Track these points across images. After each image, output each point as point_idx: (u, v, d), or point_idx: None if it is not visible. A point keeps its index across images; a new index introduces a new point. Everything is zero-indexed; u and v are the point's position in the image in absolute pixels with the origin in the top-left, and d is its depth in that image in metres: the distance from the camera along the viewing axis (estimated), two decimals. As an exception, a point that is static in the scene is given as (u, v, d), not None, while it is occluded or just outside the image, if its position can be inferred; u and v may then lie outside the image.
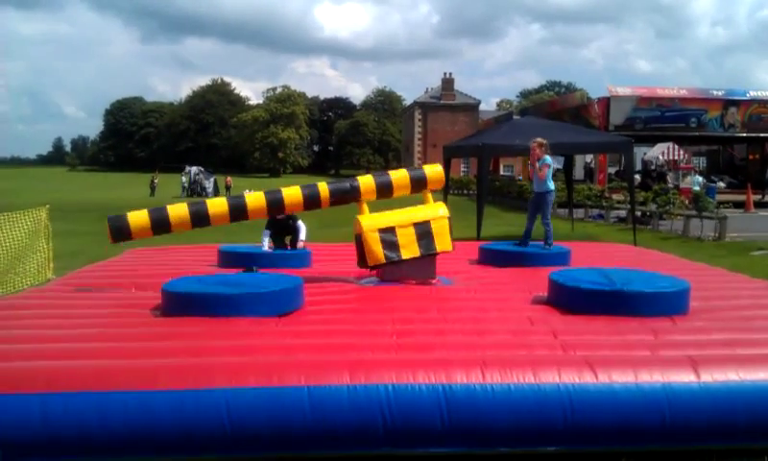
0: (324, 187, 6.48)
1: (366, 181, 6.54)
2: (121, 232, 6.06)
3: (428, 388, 3.42)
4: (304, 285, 5.36)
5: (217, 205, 6.26)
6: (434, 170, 6.86)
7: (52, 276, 8.25)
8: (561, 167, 16.34)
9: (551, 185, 8.19)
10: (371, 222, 6.26)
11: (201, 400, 3.33)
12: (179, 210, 6.13)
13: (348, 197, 6.53)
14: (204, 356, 3.83)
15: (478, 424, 3.40)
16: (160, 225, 6.11)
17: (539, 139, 8.14)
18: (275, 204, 6.36)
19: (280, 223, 7.71)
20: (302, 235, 7.75)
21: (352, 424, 3.35)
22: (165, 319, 4.84)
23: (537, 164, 8.03)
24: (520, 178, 36.57)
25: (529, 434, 3.43)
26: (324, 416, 3.34)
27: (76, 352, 3.87)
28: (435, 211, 6.45)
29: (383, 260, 6.21)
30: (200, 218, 6.17)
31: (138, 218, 6.07)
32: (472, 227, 12.23)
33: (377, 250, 6.17)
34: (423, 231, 6.29)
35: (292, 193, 6.39)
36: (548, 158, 8.10)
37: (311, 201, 6.43)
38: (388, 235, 6.21)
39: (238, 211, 6.28)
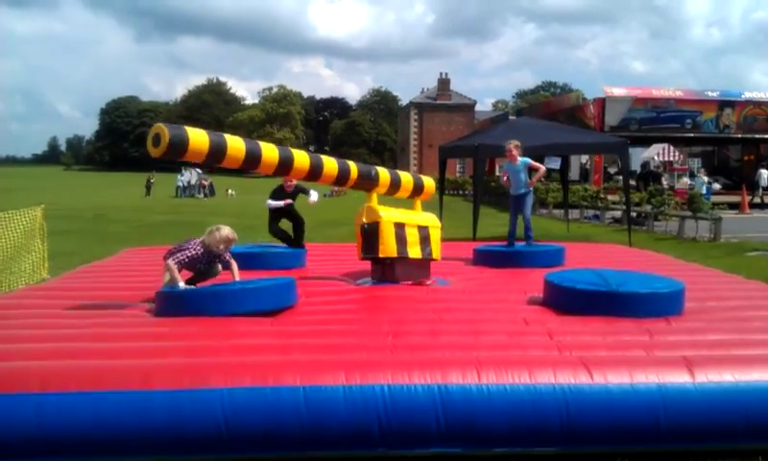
0: (353, 166, 6.27)
1: (384, 174, 6.53)
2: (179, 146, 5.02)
3: (424, 388, 3.42)
4: (300, 285, 5.37)
5: (269, 149, 5.64)
6: (430, 184, 7.16)
7: (47, 275, 8.23)
8: (557, 168, 16.37)
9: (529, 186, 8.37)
10: (388, 213, 6.19)
11: (196, 400, 3.33)
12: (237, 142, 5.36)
13: (365, 184, 6.35)
14: (199, 356, 3.83)
15: (474, 424, 3.40)
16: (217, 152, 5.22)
17: (514, 141, 8.30)
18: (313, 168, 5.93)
19: (287, 195, 7.87)
20: (314, 197, 7.91)
21: (348, 424, 3.35)
22: (160, 319, 4.83)
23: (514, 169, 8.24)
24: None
25: (525, 435, 3.43)
26: (319, 416, 3.34)
27: (71, 352, 3.86)
28: (432, 220, 6.67)
29: (395, 254, 6.13)
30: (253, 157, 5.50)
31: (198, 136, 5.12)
32: (468, 227, 12.23)
33: (391, 242, 6.08)
34: (424, 236, 6.41)
35: (330, 163, 6.09)
36: (527, 160, 8.24)
37: (342, 175, 6.15)
38: (400, 231, 6.20)
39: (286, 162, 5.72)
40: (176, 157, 5.01)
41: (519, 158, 8.23)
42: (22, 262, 8.16)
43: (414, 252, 6.29)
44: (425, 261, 6.45)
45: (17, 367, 3.57)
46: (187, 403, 3.32)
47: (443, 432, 3.38)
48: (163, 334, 4.37)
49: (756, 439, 3.53)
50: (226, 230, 5.34)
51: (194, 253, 5.27)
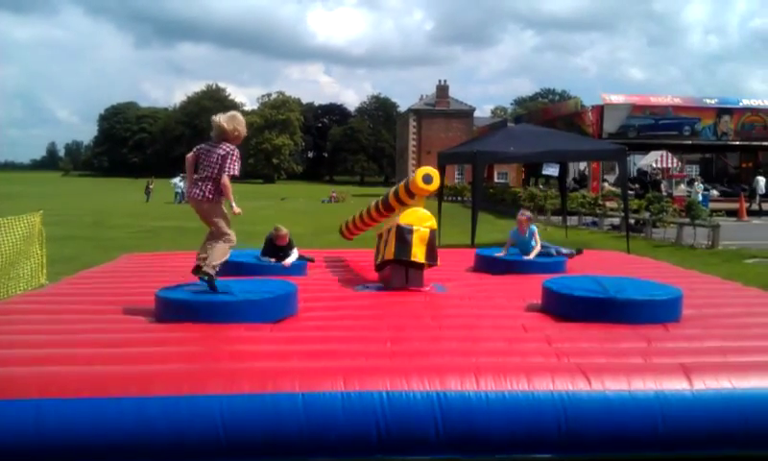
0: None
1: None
2: None
3: (422, 395, 3.43)
4: (299, 291, 5.37)
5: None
6: (414, 177, 6.36)
7: (45, 281, 8.23)
8: (555, 175, 16.40)
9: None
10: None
11: (195, 406, 3.33)
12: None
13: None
14: (198, 363, 3.83)
15: (472, 431, 3.40)
16: None
17: (527, 213, 8.12)
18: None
19: (277, 249, 7.62)
20: (292, 258, 7.61)
21: (346, 431, 3.34)
22: (159, 325, 4.83)
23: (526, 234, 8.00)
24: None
25: (523, 441, 3.44)
26: (318, 423, 3.34)
27: (70, 358, 3.86)
28: (397, 219, 6.17)
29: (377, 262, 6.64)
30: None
31: None
32: (467, 234, 12.24)
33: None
34: (385, 239, 6.43)
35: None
36: (534, 228, 8.11)
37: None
38: (378, 242, 6.70)
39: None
40: None
41: (528, 227, 7.94)
42: (21, 268, 8.17)
43: (378, 258, 6.52)
44: (389, 263, 6.23)
45: (16, 373, 3.57)
46: (186, 410, 3.32)
47: (441, 439, 3.38)
48: (162, 340, 4.37)
49: (754, 446, 3.53)
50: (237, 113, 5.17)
51: (235, 154, 4.95)
